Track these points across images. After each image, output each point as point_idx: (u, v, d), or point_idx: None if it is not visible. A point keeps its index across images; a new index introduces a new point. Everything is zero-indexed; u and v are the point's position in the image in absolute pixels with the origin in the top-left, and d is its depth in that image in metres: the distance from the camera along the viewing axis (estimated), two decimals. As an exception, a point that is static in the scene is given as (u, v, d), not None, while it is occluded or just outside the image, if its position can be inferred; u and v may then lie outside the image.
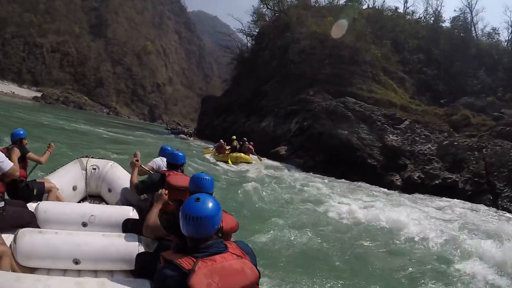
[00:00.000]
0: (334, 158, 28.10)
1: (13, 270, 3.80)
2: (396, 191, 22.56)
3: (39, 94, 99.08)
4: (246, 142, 25.30)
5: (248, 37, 69.31)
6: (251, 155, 24.18)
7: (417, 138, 27.80)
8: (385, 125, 29.02)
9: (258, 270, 2.49)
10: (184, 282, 2.17)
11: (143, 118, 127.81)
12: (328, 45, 44.18)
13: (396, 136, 28.10)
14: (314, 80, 41.27)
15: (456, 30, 59.17)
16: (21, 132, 6.33)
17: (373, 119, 29.63)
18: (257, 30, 65.67)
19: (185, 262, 2.26)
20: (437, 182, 23.64)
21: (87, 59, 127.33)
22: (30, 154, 6.36)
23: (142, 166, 5.91)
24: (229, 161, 22.49)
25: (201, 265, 2.23)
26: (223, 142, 25.23)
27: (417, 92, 43.34)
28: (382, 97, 34.62)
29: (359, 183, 23.42)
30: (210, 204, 2.45)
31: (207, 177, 3.75)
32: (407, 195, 20.98)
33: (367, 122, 29.65)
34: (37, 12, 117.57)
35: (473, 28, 61.64)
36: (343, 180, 24.07)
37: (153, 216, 4.04)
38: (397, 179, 24.78)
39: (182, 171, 5.23)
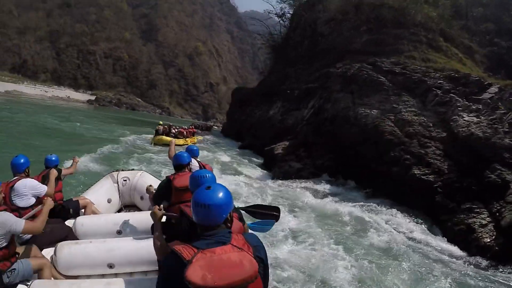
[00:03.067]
0: (350, 162, 15.75)
1: None
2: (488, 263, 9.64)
3: (93, 97, 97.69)
4: (172, 127, 28.04)
5: (280, 20, 56.19)
6: (176, 138, 24.64)
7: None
8: (453, 96, 15.53)
9: (265, 264, 2.20)
10: (182, 271, 1.95)
11: (197, 118, 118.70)
12: (364, 9, 32.30)
13: (477, 117, 14.32)
14: (346, 51, 28.69)
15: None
16: (54, 158, 6.02)
17: (428, 86, 16.55)
18: (290, 12, 54.04)
19: (185, 252, 2.03)
20: None
21: (139, 62, 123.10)
22: (62, 170, 6.14)
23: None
24: (152, 143, 24.39)
25: (199, 257, 2.01)
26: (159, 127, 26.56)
27: (489, 68, 28.28)
28: (445, 67, 20.09)
29: (395, 215, 12.15)
30: (220, 193, 2.20)
31: (208, 174, 3.25)
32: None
33: (416, 92, 16.82)
34: (88, 22, 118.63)
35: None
36: (359, 203, 13.22)
37: (156, 242, 3.25)
38: (486, 235, 10.02)
39: (190, 170, 4.91)
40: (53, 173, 5.52)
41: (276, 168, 18.25)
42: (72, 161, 6.81)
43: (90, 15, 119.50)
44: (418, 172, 12.71)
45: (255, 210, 4.29)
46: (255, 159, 23.73)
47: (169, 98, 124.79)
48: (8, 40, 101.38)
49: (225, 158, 22.89)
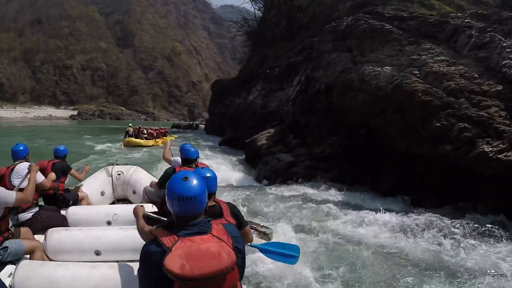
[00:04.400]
0: (363, 146, 10.94)
1: None
2: None
3: (75, 112, 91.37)
4: (142, 129, 25.91)
5: (253, 3, 50.58)
6: (145, 139, 24.40)
7: None
8: (493, 35, 10.85)
9: (243, 255, 2.16)
10: (162, 259, 1.89)
11: (183, 119, 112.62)
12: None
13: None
14: (330, 21, 23.22)
15: None
16: (62, 148, 6.14)
17: (455, 27, 11.73)
18: None
19: (166, 240, 1.96)
20: None
21: (118, 70, 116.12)
22: (72, 171, 6.18)
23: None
24: (122, 146, 22.69)
25: (178, 245, 1.93)
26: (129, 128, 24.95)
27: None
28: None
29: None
30: (199, 183, 2.08)
31: (209, 174, 3.09)
32: None
33: (439, 37, 11.96)
34: (62, 36, 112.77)
35: None
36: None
37: (141, 226, 3.28)
38: None
39: (196, 166, 4.66)
40: (52, 176, 5.18)
41: (260, 165, 13.11)
42: (83, 170, 6.59)
43: (63, 29, 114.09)
44: (490, 148, 7.45)
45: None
46: (235, 156, 18.52)
47: (153, 102, 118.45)
48: None
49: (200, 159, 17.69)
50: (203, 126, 57.13)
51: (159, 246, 1.94)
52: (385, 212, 7.99)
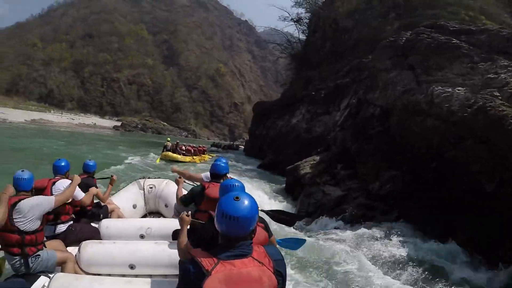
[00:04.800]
0: (434, 183, 8.45)
1: None
2: None
3: (119, 123, 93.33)
4: (180, 145, 25.69)
5: (297, 24, 49.41)
6: (182, 155, 24.18)
7: None
8: None
9: (283, 278, 2.04)
10: (201, 281, 1.86)
11: (223, 138, 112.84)
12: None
13: None
14: (376, 42, 21.57)
15: None
16: (91, 164, 5.95)
17: None
18: (307, 17, 47.80)
19: (206, 262, 1.92)
20: None
21: (163, 87, 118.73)
22: (98, 192, 5.48)
23: (190, 176, 5.84)
24: (158, 160, 21.95)
25: (218, 269, 1.89)
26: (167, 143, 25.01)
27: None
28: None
29: None
30: (249, 205, 2.00)
31: (237, 184, 3.08)
32: None
33: None
34: (111, 50, 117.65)
35: None
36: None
37: (180, 245, 3.14)
38: None
39: None
40: (93, 190, 5.21)
41: (303, 196, 11.28)
42: (109, 185, 5.96)
43: (112, 44, 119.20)
44: None
45: (273, 214, 4.60)
46: (274, 183, 16.74)
47: (195, 120, 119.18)
48: (34, 71, 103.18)
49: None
50: (243, 147, 55.83)
51: (197, 266, 1.90)
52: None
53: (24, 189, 3.78)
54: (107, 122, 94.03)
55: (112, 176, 6.22)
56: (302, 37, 50.36)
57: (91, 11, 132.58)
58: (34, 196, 3.77)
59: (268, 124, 32.53)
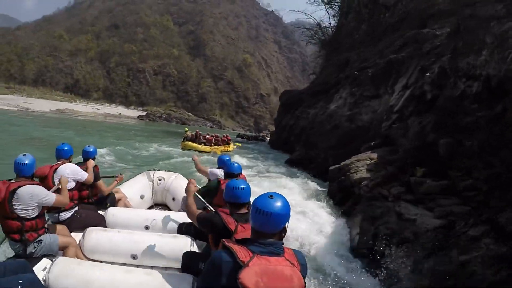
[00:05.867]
0: None
1: None
2: None
3: (143, 113, 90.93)
4: (200, 134, 24.83)
5: (328, 7, 44.56)
6: (203, 145, 23.66)
7: None
8: None
9: (305, 283, 2.06)
10: (235, 271, 1.93)
11: (249, 130, 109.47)
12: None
13: None
14: (428, 16, 17.93)
15: None
16: (91, 150, 5.50)
17: None
18: None
19: (241, 253, 1.99)
20: None
21: (188, 77, 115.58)
22: (99, 182, 5.37)
23: (200, 168, 5.85)
24: (181, 147, 23.06)
25: (255, 262, 1.95)
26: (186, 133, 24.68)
27: None
28: None
29: None
30: (281, 204, 2.10)
31: (243, 186, 3.03)
32: None
33: None
34: (136, 41, 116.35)
35: None
36: None
37: (190, 203, 3.47)
38: None
39: None
40: (91, 163, 5.20)
41: (361, 220, 6.95)
42: (115, 180, 5.75)
43: (138, 34, 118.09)
44: None
45: None
46: (310, 185, 12.42)
47: (220, 111, 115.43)
48: (60, 62, 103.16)
49: (259, 180, 12.70)
50: (268, 138, 51.52)
51: (232, 256, 1.95)
52: None
53: (25, 174, 3.65)
54: (132, 112, 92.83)
55: (120, 174, 5.90)
56: (333, 22, 45.73)
57: (117, 2, 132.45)
58: (35, 185, 3.59)
59: (297, 114, 28.15)
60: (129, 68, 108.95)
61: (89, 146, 5.29)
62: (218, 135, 27.50)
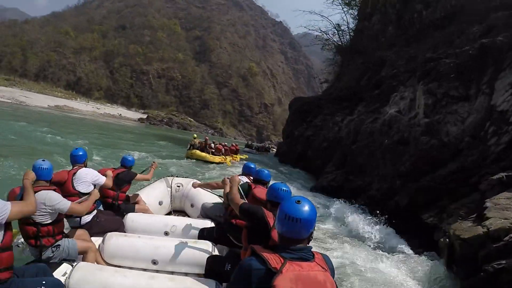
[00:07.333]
0: None
1: None
2: None
3: (144, 116, 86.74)
4: (210, 142, 21.37)
5: (347, 8, 39.68)
6: (211, 155, 20.41)
7: None
8: None
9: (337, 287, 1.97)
10: (267, 278, 1.82)
11: (251, 139, 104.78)
12: None
13: None
14: (486, 11, 14.79)
15: None
16: (130, 158, 5.66)
17: None
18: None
19: (273, 260, 1.87)
20: None
21: (192, 82, 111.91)
22: (139, 176, 5.73)
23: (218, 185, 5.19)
24: (185, 155, 20.61)
25: (288, 268, 1.83)
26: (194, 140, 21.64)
27: None
28: None
29: None
30: (309, 209, 1.98)
31: (284, 188, 3.01)
32: None
33: None
34: (142, 43, 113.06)
35: None
36: None
37: (235, 192, 3.32)
38: None
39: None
40: (109, 173, 4.90)
41: None
42: (151, 168, 6.00)
43: (144, 36, 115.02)
44: None
45: None
46: (371, 234, 7.22)
47: (222, 118, 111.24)
48: (64, 58, 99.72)
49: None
50: (274, 149, 45.89)
51: (264, 263, 1.85)
52: None
53: (44, 178, 3.54)
54: (133, 114, 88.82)
55: (153, 162, 6.12)
56: (352, 24, 40.80)
57: (126, 4, 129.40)
58: (50, 190, 3.43)
59: (316, 123, 22.95)
60: (133, 70, 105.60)
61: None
62: (226, 143, 24.79)
